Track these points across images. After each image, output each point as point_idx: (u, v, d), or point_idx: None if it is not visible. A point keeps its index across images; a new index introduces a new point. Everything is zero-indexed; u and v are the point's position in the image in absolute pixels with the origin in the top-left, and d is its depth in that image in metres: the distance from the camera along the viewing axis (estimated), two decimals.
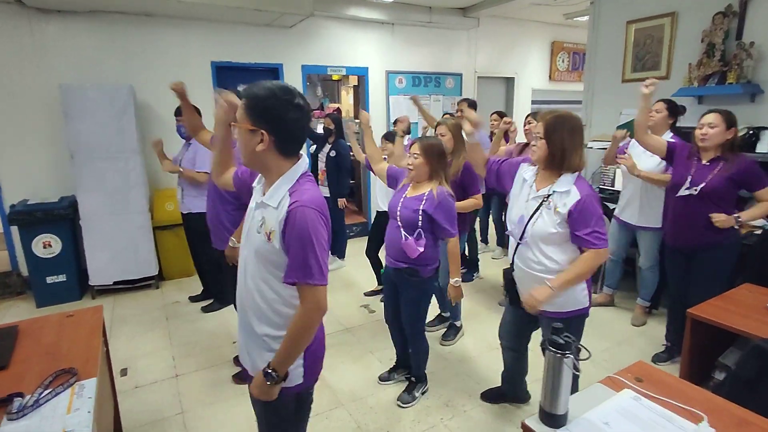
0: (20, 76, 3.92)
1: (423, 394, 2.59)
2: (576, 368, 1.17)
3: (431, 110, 6.06)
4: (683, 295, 2.65)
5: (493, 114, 4.52)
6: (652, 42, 4.01)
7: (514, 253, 1.97)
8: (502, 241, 4.98)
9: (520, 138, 4.18)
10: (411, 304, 2.42)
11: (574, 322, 1.86)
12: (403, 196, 2.35)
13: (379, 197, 3.73)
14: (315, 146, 4.73)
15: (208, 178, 3.15)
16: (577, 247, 1.80)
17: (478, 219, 4.74)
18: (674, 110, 3.08)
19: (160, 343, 3.24)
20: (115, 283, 4.07)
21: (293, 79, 5.13)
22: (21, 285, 4.11)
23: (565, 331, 1.23)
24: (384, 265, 2.54)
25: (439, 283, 2.61)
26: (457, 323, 3.28)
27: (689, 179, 2.49)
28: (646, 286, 3.41)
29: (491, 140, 4.28)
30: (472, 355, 3.05)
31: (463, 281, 3.35)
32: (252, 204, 1.39)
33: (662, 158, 2.82)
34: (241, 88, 1.47)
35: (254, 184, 1.42)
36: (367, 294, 4.03)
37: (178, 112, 3.38)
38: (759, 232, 2.90)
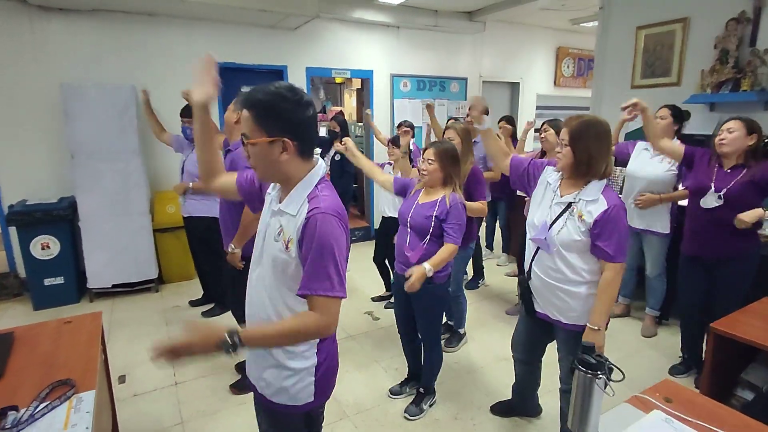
0: (20, 74, 3.85)
1: (431, 406, 2.52)
2: (608, 389, 1.10)
3: (435, 114, 6.01)
4: (700, 307, 2.58)
5: (501, 120, 4.47)
6: (663, 48, 3.96)
7: (532, 260, 1.89)
8: (508, 248, 4.91)
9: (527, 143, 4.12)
10: (425, 311, 2.36)
11: None
12: (415, 202, 2.31)
13: (385, 203, 3.67)
14: (320, 150, 4.66)
15: None
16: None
17: (484, 225, 4.68)
18: (679, 116, 3.03)
19: None
20: (114, 286, 3.98)
21: (297, 81, 5.06)
22: (18, 287, 4.02)
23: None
24: (394, 272, 2.48)
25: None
26: (461, 330, 3.22)
27: (712, 187, 2.42)
28: (654, 296, 3.34)
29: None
30: (480, 365, 2.97)
31: (468, 288, 3.31)
32: (266, 211, 1.31)
33: (680, 164, 2.77)
34: (245, 89, 1.37)
35: (269, 191, 1.33)
36: (374, 299, 3.97)
37: (183, 113, 3.30)
38: None
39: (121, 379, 2.79)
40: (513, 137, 4.24)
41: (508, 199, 4.38)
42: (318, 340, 1.27)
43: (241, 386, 2.64)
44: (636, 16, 4.15)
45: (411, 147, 3.89)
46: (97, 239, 3.86)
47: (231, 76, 4.70)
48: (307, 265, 1.14)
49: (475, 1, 5.27)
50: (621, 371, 1.12)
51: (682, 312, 2.81)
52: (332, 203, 1.19)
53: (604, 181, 1.74)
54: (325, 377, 1.31)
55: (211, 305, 3.75)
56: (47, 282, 3.80)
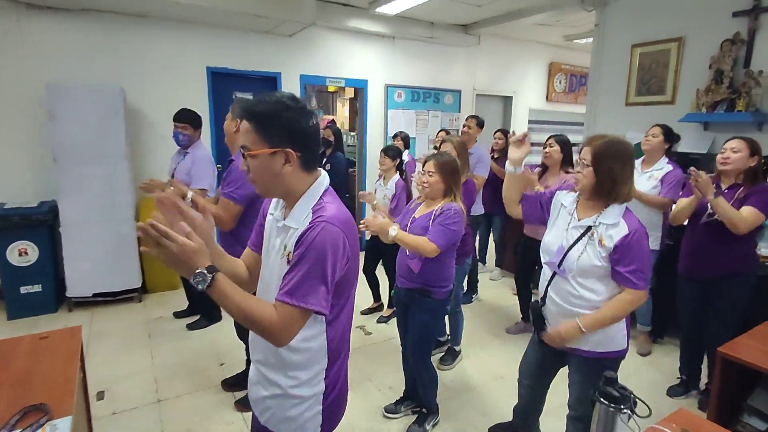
0: (4, 72, 3.71)
1: (434, 426, 2.43)
2: (632, 423, 1.03)
3: (429, 126, 6.00)
4: (700, 328, 2.55)
5: (496, 132, 4.46)
6: (658, 66, 3.98)
7: (548, 285, 1.80)
8: (501, 262, 4.86)
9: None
10: (419, 327, 2.28)
11: (608, 364, 1.68)
12: (413, 216, 2.28)
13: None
14: None
15: (204, 194, 2.97)
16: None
17: (477, 238, 4.62)
18: (670, 136, 3.06)
19: (141, 364, 3.01)
20: (95, 295, 3.81)
21: (291, 88, 4.98)
22: None
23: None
24: (395, 285, 2.41)
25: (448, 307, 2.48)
26: (456, 348, 3.15)
27: (709, 207, 2.40)
28: (640, 311, 3.28)
29: (492, 158, 4.19)
30: (476, 384, 2.89)
31: (462, 303, 3.24)
32: (270, 231, 1.23)
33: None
34: (239, 95, 1.29)
35: (271, 212, 1.25)
36: (363, 312, 3.87)
37: (177, 118, 3.18)
38: None
39: (100, 396, 2.64)
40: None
41: (504, 214, 4.32)
42: (326, 364, 1.18)
43: (247, 403, 2.51)
44: (631, 34, 4.17)
45: (405, 158, 3.84)
46: (79, 246, 3.70)
47: (223, 81, 4.62)
48: (291, 268, 1.06)
49: (471, 14, 5.28)
50: (647, 406, 1.05)
51: (682, 335, 2.77)
52: (338, 213, 1.12)
53: (624, 204, 1.66)
54: (335, 404, 1.23)
55: (197, 317, 3.61)
56: (23, 290, 3.62)
